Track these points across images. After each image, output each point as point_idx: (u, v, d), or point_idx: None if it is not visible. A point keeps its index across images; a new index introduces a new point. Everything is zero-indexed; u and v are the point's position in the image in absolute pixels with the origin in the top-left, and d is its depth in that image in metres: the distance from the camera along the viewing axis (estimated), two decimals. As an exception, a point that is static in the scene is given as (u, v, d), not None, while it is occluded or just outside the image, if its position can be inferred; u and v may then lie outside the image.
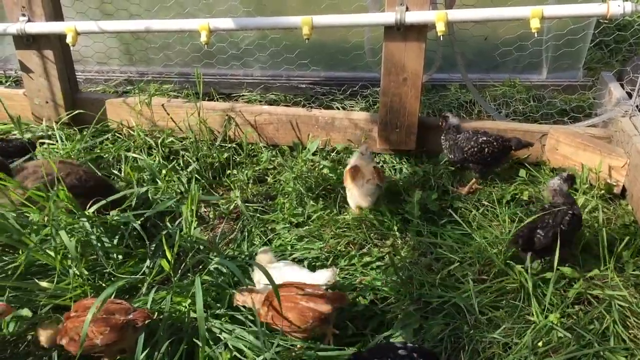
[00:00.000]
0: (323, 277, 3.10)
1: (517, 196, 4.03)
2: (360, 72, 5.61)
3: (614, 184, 3.99)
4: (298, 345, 2.88)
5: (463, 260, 3.48)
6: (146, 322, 2.84)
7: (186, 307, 3.13)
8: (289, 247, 3.67)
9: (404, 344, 2.61)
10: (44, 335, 2.78)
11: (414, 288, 3.29)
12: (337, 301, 2.89)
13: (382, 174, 3.80)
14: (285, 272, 3.16)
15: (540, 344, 2.93)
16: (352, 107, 5.42)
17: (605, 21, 5.05)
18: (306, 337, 2.91)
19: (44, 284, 3.10)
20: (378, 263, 3.54)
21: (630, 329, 3.01)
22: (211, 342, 2.92)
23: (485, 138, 4.12)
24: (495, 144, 4.11)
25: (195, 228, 3.62)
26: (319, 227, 3.83)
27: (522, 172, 4.26)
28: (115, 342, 2.77)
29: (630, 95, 4.35)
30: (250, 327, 2.98)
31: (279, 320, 2.85)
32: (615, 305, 3.09)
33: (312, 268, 3.46)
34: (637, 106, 4.21)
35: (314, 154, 4.54)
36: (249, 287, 3.11)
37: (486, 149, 4.09)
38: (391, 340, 2.99)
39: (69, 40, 4.37)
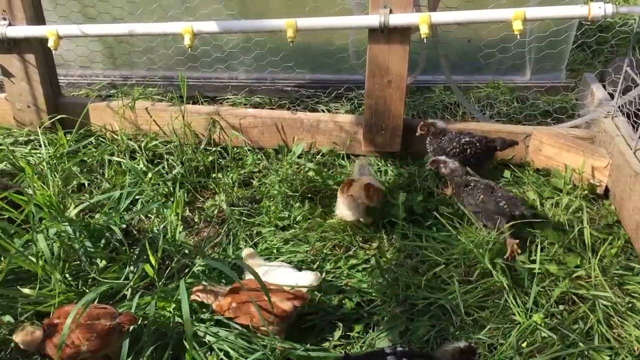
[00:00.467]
0: (308, 278, 3.11)
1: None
2: (345, 75, 5.61)
3: (597, 184, 4.02)
4: (278, 345, 2.88)
5: (448, 262, 3.48)
6: (132, 325, 2.82)
7: (171, 312, 3.11)
8: (274, 251, 3.67)
9: (394, 349, 2.61)
10: (19, 337, 2.74)
11: (400, 290, 3.29)
12: (299, 299, 2.94)
13: (373, 193, 3.67)
14: (273, 273, 3.19)
15: (524, 344, 2.95)
16: (338, 109, 5.42)
17: (587, 23, 5.10)
18: (265, 333, 2.93)
19: (26, 290, 3.06)
20: (364, 265, 3.55)
21: (614, 328, 3.03)
22: (196, 346, 2.90)
23: (467, 139, 4.14)
24: (478, 144, 4.13)
25: (180, 232, 3.60)
26: (304, 230, 3.82)
27: (507, 173, 4.28)
28: (101, 348, 2.74)
29: (612, 96, 4.39)
30: (236, 329, 2.96)
31: (244, 316, 2.90)
32: (599, 304, 3.11)
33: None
34: (619, 107, 4.24)
35: (299, 157, 4.54)
36: (209, 284, 3.10)
37: (468, 150, 4.10)
38: (377, 342, 3.00)
39: (50, 44, 4.33)
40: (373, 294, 3.29)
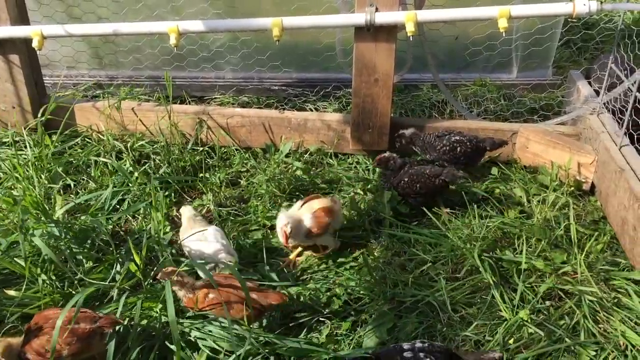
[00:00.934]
0: (223, 256, 3.26)
1: (489, 194, 4.06)
2: (332, 73, 5.61)
3: (583, 180, 4.04)
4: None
5: (436, 260, 3.49)
6: (114, 328, 2.80)
7: (157, 312, 3.09)
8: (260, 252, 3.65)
9: (412, 345, 2.60)
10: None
11: (387, 287, 3.30)
12: (278, 299, 2.97)
13: (315, 229, 3.50)
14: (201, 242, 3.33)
15: (511, 341, 2.96)
16: (325, 108, 5.41)
17: (573, 20, 5.13)
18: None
19: (11, 292, 3.04)
20: (352, 264, 3.55)
21: (600, 324, 3.05)
22: (184, 345, 2.89)
23: (458, 137, 4.15)
24: (468, 144, 4.14)
25: (166, 232, 3.58)
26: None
27: (494, 170, 4.30)
28: (82, 351, 2.72)
29: (597, 93, 4.41)
30: (222, 324, 2.95)
31: (219, 308, 2.92)
32: (585, 300, 3.13)
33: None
34: (604, 104, 4.27)
35: (286, 156, 4.53)
36: (181, 273, 3.06)
37: (459, 148, 4.12)
38: (365, 339, 3.00)
39: (35, 44, 4.29)
40: (361, 292, 3.29)
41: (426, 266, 3.43)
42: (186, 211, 3.56)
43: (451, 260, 3.46)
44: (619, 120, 4.03)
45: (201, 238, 3.32)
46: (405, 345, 2.61)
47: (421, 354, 2.54)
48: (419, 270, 3.42)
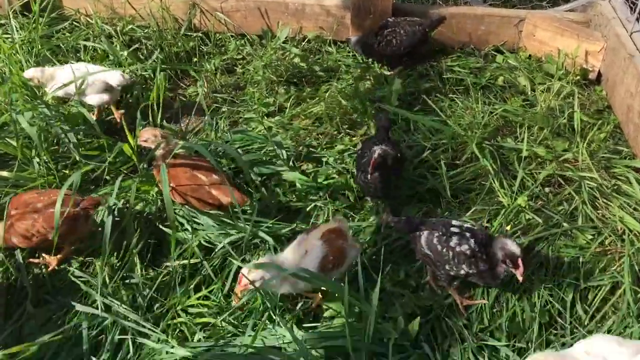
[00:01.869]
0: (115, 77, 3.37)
1: (492, 82, 3.95)
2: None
3: (590, 69, 3.92)
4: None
5: (436, 147, 3.43)
6: (96, 208, 2.80)
7: (153, 196, 3.07)
8: (258, 140, 3.56)
9: (461, 224, 2.63)
10: None
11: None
12: (239, 200, 2.82)
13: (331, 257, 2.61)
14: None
15: (509, 227, 2.96)
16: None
17: None
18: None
19: (4, 173, 2.99)
20: (352, 152, 3.48)
21: (598, 209, 3.05)
22: (179, 227, 2.90)
23: (391, 29, 3.97)
24: (402, 32, 3.95)
25: (161, 118, 3.50)
26: (289, 117, 3.72)
27: (499, 58, 4.15)
28: (67, 233, 2.73)
29: (611, -22, 4.18)
30: (218, 215, 2.93)
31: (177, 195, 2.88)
32: (585, 186, 3.11)
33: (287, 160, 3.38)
34: (617, -11, 4.06)
35: (284, 43, 4.35)
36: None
37: (394, 40, 3.95)
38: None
39: None
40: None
41: (426, 153, 3.37)
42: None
43: (451, 147, 3.40)
44: (632, 6, 3.84)
45: None
46: (455, 222, 2.65)
47: (467, 234, 2.58)
48: (419, 159, 3.37)
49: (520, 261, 2.41)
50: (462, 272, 2.55)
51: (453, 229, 2.60)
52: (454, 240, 2.56)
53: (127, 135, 3.02)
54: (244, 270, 2.43)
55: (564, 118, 3.54)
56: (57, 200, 2.61)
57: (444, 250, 2.57)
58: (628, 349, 2.12)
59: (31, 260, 2.83)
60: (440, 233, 2.60)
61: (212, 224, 2.90)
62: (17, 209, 2.73)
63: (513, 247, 2.45)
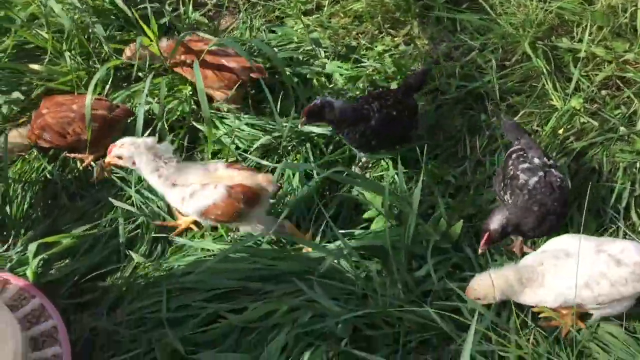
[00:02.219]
0: None
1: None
2: None
3: (657, -36, 3.58)
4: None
5: (484, 47, 3.22)
6: (127, 118, 2.79)
7: (185, 95, 2.98)
8: (295, 38, 3.39)
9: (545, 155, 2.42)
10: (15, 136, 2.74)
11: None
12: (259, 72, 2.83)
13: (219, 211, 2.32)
14: None
15: (561, 130, 2.80)
16: None
17: None
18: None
19: (35, 66, 2.91)
20: (393, 52, 3.29)
21: (659, 115, 2.84)
22: (215, 128, 2.82)
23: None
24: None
25: (192, 12, 3.34)
26: (328, 15, 3.52)
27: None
28: (101, 137, 2.68)
29: None
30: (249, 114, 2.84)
31: (189, 72, 2.81)
32: (646, 88, 2.89)
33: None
34: None
35: None
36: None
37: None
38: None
39: None
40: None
41: (474, 53, 3.17)
42: None
43: (502, 47, 3.18)
44: None
45: None
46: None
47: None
48: (465, 60, 3.17)
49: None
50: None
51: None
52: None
53: (144, 28, 2.86)
54: (118, 142, 2.30)
55: (626, 17, 3.25)
56: (95, 105, 2.63)
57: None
58: (591, 242, 2.12)
59: (68, 154, 2.81)
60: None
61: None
62: (48, 108, 2.70)
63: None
